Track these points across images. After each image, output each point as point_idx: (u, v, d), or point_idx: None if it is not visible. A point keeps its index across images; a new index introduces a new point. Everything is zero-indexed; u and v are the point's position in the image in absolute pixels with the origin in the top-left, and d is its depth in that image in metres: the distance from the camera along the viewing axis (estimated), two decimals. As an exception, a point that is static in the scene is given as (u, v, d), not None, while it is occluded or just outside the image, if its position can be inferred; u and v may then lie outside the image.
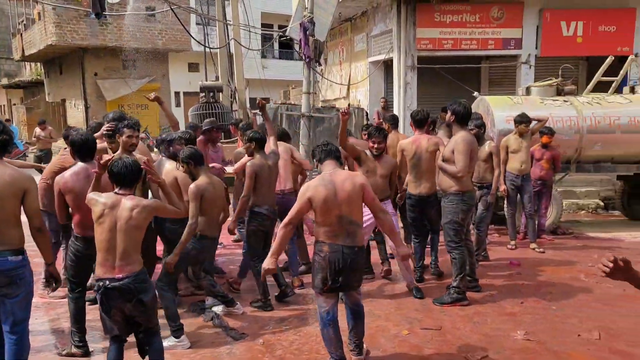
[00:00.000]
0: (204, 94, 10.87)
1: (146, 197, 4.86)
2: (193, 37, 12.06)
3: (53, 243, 4.36)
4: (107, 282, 3.25)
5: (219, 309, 5.03)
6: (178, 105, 23.96)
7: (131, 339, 3.55)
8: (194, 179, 4.56)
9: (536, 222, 7.59)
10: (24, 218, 3.29)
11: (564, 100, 8.63)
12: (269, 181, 5.23)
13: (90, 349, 4.16)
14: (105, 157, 4.07)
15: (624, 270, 2.18)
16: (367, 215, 5.22)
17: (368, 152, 5.39)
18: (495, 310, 5.09)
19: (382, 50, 13.16)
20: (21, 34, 24.01)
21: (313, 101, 10.36)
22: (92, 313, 4.37)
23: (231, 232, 5.40)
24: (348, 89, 15.26)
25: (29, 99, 28.86)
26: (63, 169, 4.51)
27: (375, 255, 6.22)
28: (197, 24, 20.62)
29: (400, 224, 6.39)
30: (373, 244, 6.19)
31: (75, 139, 4.15)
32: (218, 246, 6.99)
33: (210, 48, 11.81)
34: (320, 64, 11.64)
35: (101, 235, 3.33)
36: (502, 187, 7.05)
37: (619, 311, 5.00)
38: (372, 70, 13.72)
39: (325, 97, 16.37)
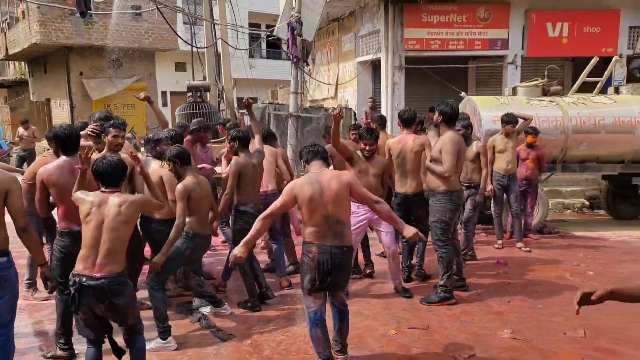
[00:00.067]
0: (191, 93, 10.80)
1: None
2: (180, 37, 11.98)
3: None
4: (84, 279, 3.20)
5: (206, 309, 5.01)
6: (165, 105, 23.83)
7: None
8: (179, 178, 4.53)
9: (522, 221, 7.65)
10: (8, 219, 3.24)
11: (550, 101, 8.70)
12: (254, 180, 5.21)
13: (76, 352, 4.11)
14: (85, 144, 4.03)
15: (598, 300, 2.20)
16: (362, 214, 5.28)
17: (359, 152, 5.39)
18: (482, 309, 5.11)
19: (369, 50, 13.19)
20: (5, 33, 23.72)
21: (301, 101, 10.36)
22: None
23: (214, 233, 5.27)
24: (336, 89, 15.27)
25: (13, 98, 28.50)
26: None
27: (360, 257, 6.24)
28: (184, 23, 20.54)
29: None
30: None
31: (58, 132, 4.10)
32: (210, 250, 7.01)
33: (197, 47, 11.73)
34: (307, 64, 11.62)
35: (87, 232, 3.31)
36: (489, 187, 7.09)
37: (604, 309, 5.01)
38: (359, 71, 13.75)
39: (313, 97, 16.38)
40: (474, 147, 6.65)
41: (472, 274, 6.12)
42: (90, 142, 5.08)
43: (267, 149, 5.79)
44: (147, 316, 4.92)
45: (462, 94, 9.58)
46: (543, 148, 7.98)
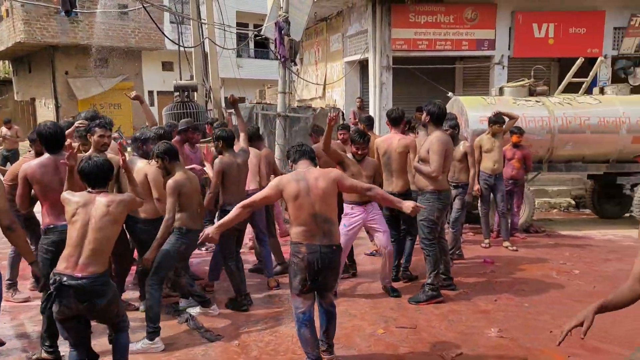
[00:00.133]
0: (178, 93, 10.74)
1: None
2: (166, 36, 11.90)
3: None
4: (64, 279, 3.16)
5: (194, 310, 4.98)
6: (152, 104, 23.68)
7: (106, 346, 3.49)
8: (168, 174, 4.53)
9: (509, 220, 7.70)
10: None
11: (536, 101, 8.77)
12: (239, 179, 5.19)
13: (62, 354, 4.06)
14: (69, 141, 4.00)
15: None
16: (356, 215, 5.27)
17: (350, 155, 5.38)
18: (469, 308, 5.13)
19: (357, 50, 13.19)
20: (-12, 31, 23.44)
21: (289, 101, 10.32)
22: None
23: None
24: (324, 89, 15.26)
25: (-4, 97, 28.20)
26: None
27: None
28: (171, 22, 20.39)
29: None
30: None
31: (43, 130, 4.05)
32: (202, 250, 6.98)
33: (184, 47, 11.67)
34: (295, 64, 11.61)
35: (73, 232, 3.27)
36: (477, 187, 7.13)
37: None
38: (347, 70, 13.75)
39: (301, 96, 16.36)
40: (461, 147, 6.68)
41: (459, 273, 6.15)
42: (77, 144, 5.04)
43: (252, 151, 5.75)
44: (134, 317, 4.90)
45: (450, 94, 9.62)
46: (529, 148, 8.04)
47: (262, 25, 10.65)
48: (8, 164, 13.02)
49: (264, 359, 4.11)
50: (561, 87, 9.53)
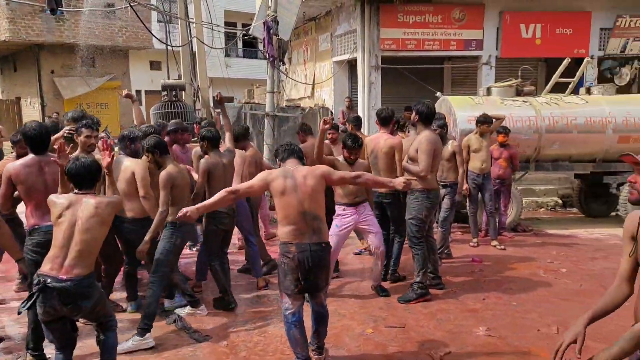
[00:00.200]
0: (166, 92, 10.65)
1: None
2: (154, 35, 11.82)
3: None
4: (49, 280, 3.11)
5: (182, 311, 4.94)
6: (139, 104, 23.48)
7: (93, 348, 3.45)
8: (159, 168, 4.54)
9: (497, 219, 7.75)
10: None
11: (524, 101, 8.83)
12: (224, 179, 5.16)
13: (47, 356, 4.01)
14: (55, 136, 3.97)
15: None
16: (348, 216, 5.27)
17: (341, 158, 5.37)
18: (458, 307, 5.15)
19: (346, 50, 13.20)
20: (-28, 30, 23.14)
21: (277, 100, 10.31)
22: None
23: None
24: (313, 89, 15.26)
25: (-19, 96, 27.83)
26: None
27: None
28: (159, 21, 20.29)
29: None
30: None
31: (27, 131, 4.00)
32: (192, 250, 6.94)
33: (172, 46, 11.59)
34: (284, 63, 11.57)
35: (59, 234, 3.23)
36: (465, 186, 7.17)
37: (577, 306, 5.13)
38: (336, 70, 13.76)
39: (289, 96, 16.34)
40: (450, 146, 6.70)
41: (447, 272, 6.17)
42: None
43: (237, 152, 5.72)
44: (121, 318, 4.85)
45: (438, 94, 9.66)
46: (516, 147, 8.09)
47: (250, 25, 10.62)
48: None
49: (253, 359, 4.09)
50: (548, 87, 9.61)
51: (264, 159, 7.58)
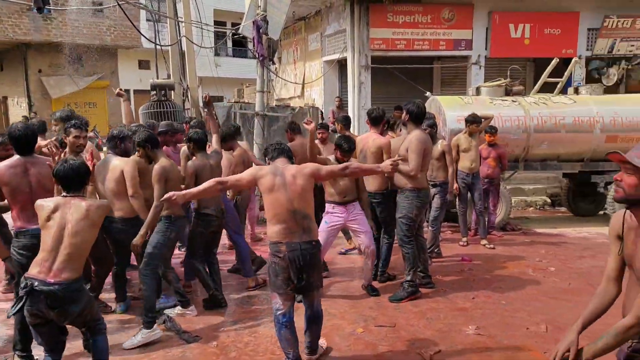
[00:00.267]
0: (155, 92, 10.60)
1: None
2: (142, 34, 11.73)
3: None
4: (36, 283, 3.06)
5: (172, 311, 4.91)
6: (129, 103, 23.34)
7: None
8: (151, 162, 4.56)
9: (486, 219, 7.78)
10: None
11: (512, 101, 8.88)
12: None
13: (35, 357, 3.97)
14: (42, 144, 3.93)
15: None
16: (338, 214, 5.26)
17: (332, 157, 5.36)
18: (447, 306, 5.17)
19: (336, 49, 13.20)
20: (-42, 28, 22.86)
21: (267, 100, 10.28)
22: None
23: None
24: (302, 88, 15.25)
25: (-33, 96, 27.51)
26: None
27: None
28: (148, 20, 20.14)
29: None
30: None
31: (13, 131, 3.95)
32: (182, 250, 6.90)
33: (161, 45, 11.53)
34: (274, 63, 11.55)
35: (47, 237, 3.18)
36: (455, 186, 7.20)
37: (565, 304, 5.17)
38: (326, 70, 13.75)
39: (279, 95, 16.31)
40: (439, 145, 6.73)
41: (437, 271, 6.19)
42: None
43: (224, 154, 5.70)
44: (111, 319, 4.82)
45: (427, 93, 9.69)
46: (505, 147, 8.13)
47: (240, 24, 10.58)
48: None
49: (243, 359, 4.07)
50: (537, 87, 9.67)
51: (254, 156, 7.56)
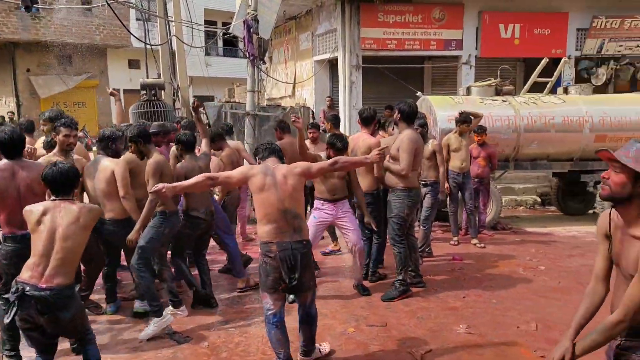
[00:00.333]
0: (145, 91, 10.52)
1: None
2: (132, 34, 11.64)
3: None
4: (27, 288, 3.01)
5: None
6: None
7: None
8: (143, 158, 4.56)
9: (477, 218, 7.81)
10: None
11: (503, 100, 8.92)
12: None
13: (24, 358, 3.93)
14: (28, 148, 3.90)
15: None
16: (327, 211, 5.26)
17: (323, 154, 5.36)
18: (438, 305, 5.18)
19: (327, 49, 13.20)
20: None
21: (258, 99, 10.26)
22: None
23: None
24: (293, 88, 15.23)
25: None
26: None
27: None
28: (137, 19, 20.01)
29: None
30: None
31: None
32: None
33: (150, 45, 11.45)
34: (264, 62, 11.53)
35: (39, 242, 3.12)
36: (446, 185, 7.22)
37: (555, 303, 5.20)
38: (317, 69, 13.74)
39: (270, 95, 16.28)
40: (430, 145, 6.74)
41: (428, 270, 6.21)
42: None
43: (212, 158, 5.68)
44: (102, 320, 4.80)
45: (418, 93, 9.70)
46: (495, 146, 8.17)
47: (230, 23, 10.54)
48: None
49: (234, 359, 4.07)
50: (526, 86, 9.72)
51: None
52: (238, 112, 10.43)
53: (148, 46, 10.87)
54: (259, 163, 3.90)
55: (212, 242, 5.62)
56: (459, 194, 7.59)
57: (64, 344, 4.02)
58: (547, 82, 9.62)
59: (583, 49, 13.25)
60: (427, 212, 6.75)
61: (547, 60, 9.61)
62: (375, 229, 5.55)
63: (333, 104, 12.63)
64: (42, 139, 5.55)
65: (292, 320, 4.12)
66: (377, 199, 5.67)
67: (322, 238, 6.60)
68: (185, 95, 11.63)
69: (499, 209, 8.62)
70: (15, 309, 3.00)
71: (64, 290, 3.09)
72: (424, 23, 12.46)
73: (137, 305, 4.92)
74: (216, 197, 5.95)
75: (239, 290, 5.58)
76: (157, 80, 11.24)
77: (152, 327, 4.39)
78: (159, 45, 11.40)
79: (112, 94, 6.35)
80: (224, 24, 20.88)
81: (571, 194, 9.88)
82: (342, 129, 10.91)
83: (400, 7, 12.29)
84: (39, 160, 4.60)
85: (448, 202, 7.69)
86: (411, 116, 5.24)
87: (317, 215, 5.31)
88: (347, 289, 5.63)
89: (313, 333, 3.91)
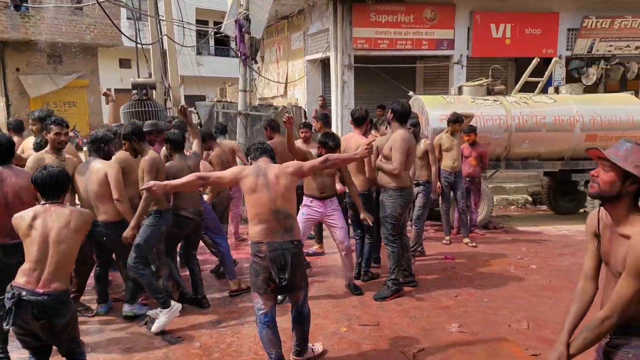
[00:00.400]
0: (136, 91, 10.47)
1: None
2: (123, 33, 11.57)
3: None
4: (24, 293, 2.97)
5: (154, 312, 4.85)
6: (108, 102, 23.06)
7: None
8: (136, 156, 4.57)
9: (468, 217, 7.84)
10: None
11: (494, 100, 8.95)
12: None
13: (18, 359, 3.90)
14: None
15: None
16: (315, 208, 5.27)
17: (314, 151, 5.35)
18: (431, 304, 5.19)
19: (319, 48, 13.19)
20: None
21: (250, 99, 10.24)
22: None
23: None
24: (285, 87, 15.21)
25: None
26: None
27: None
28: (128, 18, 19.91)
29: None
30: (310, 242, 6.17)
31: None
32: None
33: (141, 44, 11.39)
34: (256, 62, 11.51)
35: (32, 247, 3.07)
36: (438, 185, 7.24)
37: (546, 301, 5.23)
38: (309, 69, 13.73)
39: (262, 94, 16.25)
40: (422, 145, 6.76)
41: (421, 269, 6.22)
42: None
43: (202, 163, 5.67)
44: (93, 320, 4.77)
45: (410, 93, 9.72)
46: (486, 146, 8.20)
47: (222, 23, 10.52)
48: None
49: (226, 360, 4.05)
50: (518, 86, 9.77)
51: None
52: (230, 111, 10.40)
53: (139, 45, 10.82)
54: (251, 163, 3.88)
55: (202, 242, 5.60)
56: (451, 193, 7.61)
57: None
58: (538, 82, 9.67)
59: (574, 49, 13.33)
60: (419, 212, 6.76)
61: (538, 60, 9.66)
62: (372, 224, 5.53)
63: (325, 104, 12.62)
64: (32, 139, 5.50)
65: (284, 321, 4.12)
66: (369, 200, 5.67)
67: (309, 237, 6.62)
68: (176, 95, 11.59)
69: (490, 208, 8.65)
70: (13, 315, 2.95)
71: (60, 295, 3.06)
72: (416, 23, 12.48)
73: (127, 308, 4.86)
74: (206, 198, 5.92)
75: (233, 292, 5.55)
76: (149, 79, 11.18)
77: (163, 318, 4.44)
78: (150, 44, 11.34)
79: (105, 94, 6.28)
80: (216, 23, 20.83)
81: (562, 193, 9.93)
82: (334, 129, 10.91)
83: (392, 7, 12.30)
84: (29, 158, 4.58)
85: (440, 202, 7.71)
86: (404, 116, 5.25)
87: (305, 212, 5.32)
88: (339, 288, 5.63)
89: (306, 333, 3.90)
